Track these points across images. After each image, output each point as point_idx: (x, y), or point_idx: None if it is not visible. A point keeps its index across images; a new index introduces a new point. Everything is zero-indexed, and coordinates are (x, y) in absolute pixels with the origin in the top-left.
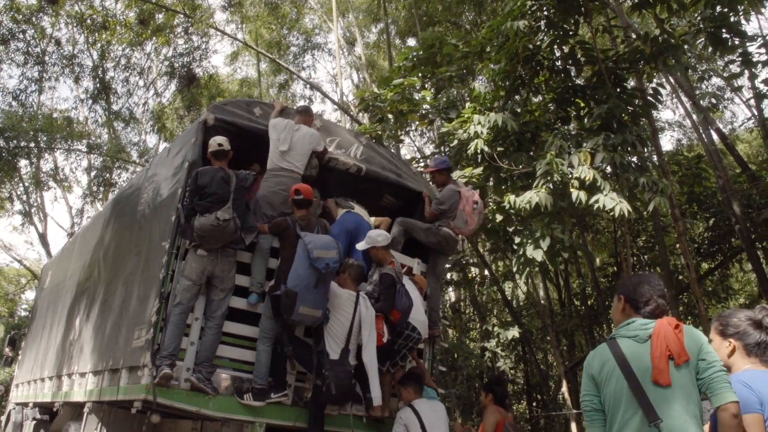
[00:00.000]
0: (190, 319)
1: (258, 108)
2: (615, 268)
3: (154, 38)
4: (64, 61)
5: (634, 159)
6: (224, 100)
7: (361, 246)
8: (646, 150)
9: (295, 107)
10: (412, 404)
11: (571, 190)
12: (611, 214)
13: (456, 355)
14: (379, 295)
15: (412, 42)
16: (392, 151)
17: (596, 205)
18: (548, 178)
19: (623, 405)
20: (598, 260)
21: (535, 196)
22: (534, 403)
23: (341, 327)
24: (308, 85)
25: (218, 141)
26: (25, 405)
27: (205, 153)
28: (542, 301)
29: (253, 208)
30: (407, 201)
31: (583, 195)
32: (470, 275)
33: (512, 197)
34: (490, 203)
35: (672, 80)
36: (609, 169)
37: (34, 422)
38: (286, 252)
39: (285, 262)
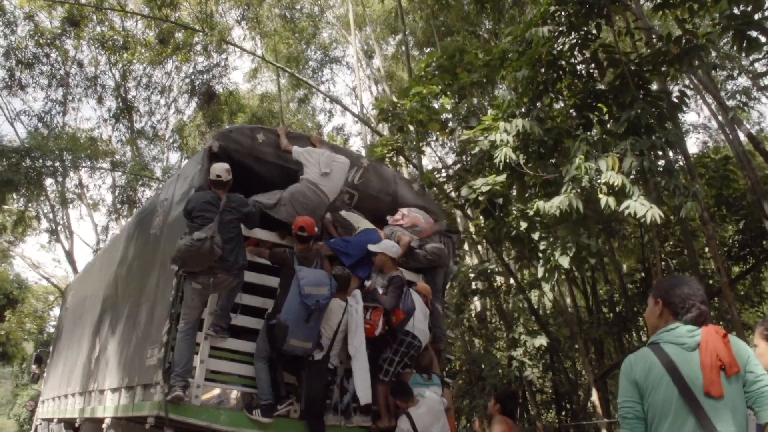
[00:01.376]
0: (200, 338)
1: (261, 134)
2: (643, 274)
3: (174, 57)
4: (86, 82)
5: (662, 163)
6: (229, 127)
7: (373, 247)
8: (673, 153)
9: (300, 131)
10: (407, 411)
11: (600, 195)
12: (641, 220)
13: (483, 365)
14: (386, 291)
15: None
16: (398, 169)
17: (627, 212)
18: (576, 183)
19: (672, 414)
20: (625, 266)
21: (565, 199)
22: (563, 413)
23: (327, 332)
24: (328, 99)
25: (217, 172)
26: (50, 420)
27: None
28: (569, 309)
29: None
30: None
31: (612, 201)
32: (495, 284)
33: (540, 203)
34: (514, 211)
35: (696, 81)
36: (635, 173)
37: None
38: (284, 281)
39: (282, 292)
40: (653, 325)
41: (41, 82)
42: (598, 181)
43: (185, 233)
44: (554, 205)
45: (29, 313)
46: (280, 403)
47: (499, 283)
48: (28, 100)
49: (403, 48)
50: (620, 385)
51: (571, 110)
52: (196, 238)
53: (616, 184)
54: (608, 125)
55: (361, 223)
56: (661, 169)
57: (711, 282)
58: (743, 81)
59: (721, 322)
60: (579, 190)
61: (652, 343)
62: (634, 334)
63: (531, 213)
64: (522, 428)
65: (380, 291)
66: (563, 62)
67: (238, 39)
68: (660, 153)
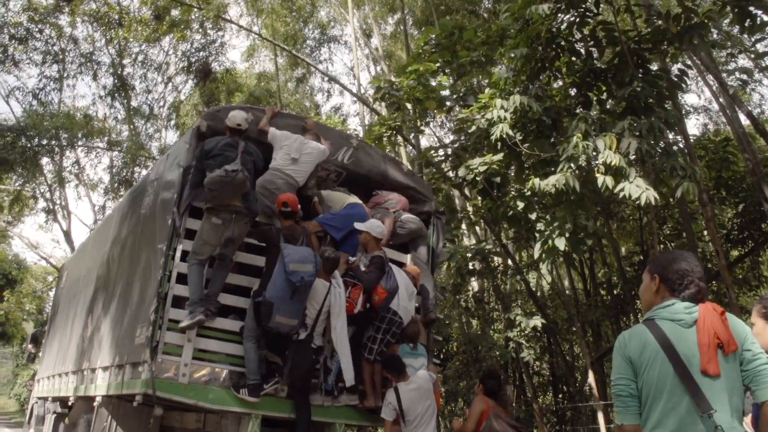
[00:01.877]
0: (184, 316)
1: (250, 114)
2: (641, 257)
3: (171, 34)
4: (81, 59)
5: (661, 144)
6: (217, 107)
7: (359, 225)
8: (672, 134)
9: (294, 113)
10: (396, 386)
11: (597, 175)
12: (637, 202)
13: (479, 347)
14: (367, 270)
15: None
16: (396, 149)
17: (621, 194)
18: (573, 162)
19: (666, 393)
20: (623, 249)
21: (561, 178)
22: (560, 395)
23: (311, 312)
24: (326, 78)
25: (237, 120)
26: (45, 399)
27: (199, 159)
28: (566, 291)
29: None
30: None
31: (609, 180)
32: (493, 264)
33: (536, 181)
34: (512, 191)
35: (697, 61)
36: (634, 154)
37: (54, 415)
38: (270, 259)
39: (268, 270)
40: (648, 302)
41: (35, 58)
42: (596, 161)
43: (199, 171)
44: (550, 183)
45: (28, 293)
46: (267, 381)
47: (497, 264)
48: (22, 77)
49: (402, 27)
50: (614, 362)
51: (569, 89)
52: (230, 169)
53: (613, 164)
54: (607, 105)
55: (348, 199)
56: (659, 150)
57: (709, 265)
58: (744, 62)
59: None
60: (576, 169)
61: (647, 320)
62: (632, 318)
63: (528, 192)
64: (505, 409)
65: (362, 269)
66: (562, 40)
67: (235, 17)
68: (659, 134)
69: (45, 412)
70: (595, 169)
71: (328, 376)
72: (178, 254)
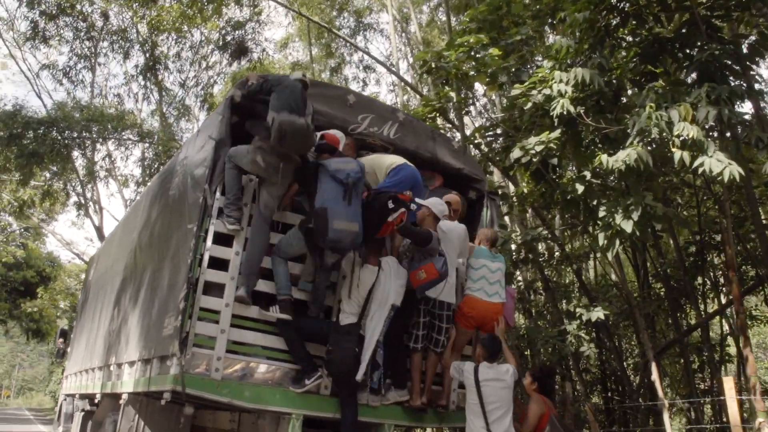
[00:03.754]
0: (220, 305)
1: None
2: (700, 247)
3: (207, 8)
4: (113, 36)
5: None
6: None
7: (420, 201)
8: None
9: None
10: (478, 366)
11: (673, 149)
12: (718, 178)
13: (536, 341)
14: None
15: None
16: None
17: (701, 169)
18: (646, 135)
19: None
20: (681, 238)
21: (633, 153)
22: (609, 393)
23: (359, 296)
24: (362, 67)
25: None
26: (73, 396)
27: (234, 131)
28: (617, 283)
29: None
30: (446, 178)
31: (686, 155)
32: (541, 253)
33: (604, 157)
34: (570, 173)
35: None
36: (712, 123)
37: (83, 413)
38: (309, 188)
39: (310, 198)
40: None
41: (66, 35)
42: (668, 134)
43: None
44: (620, 159)
45: (62, 291)
46: (309, 376)
47: (544, 252)
48: (52, 54)
49: (439, 13)
50: None
51: (633, 59)
52: (311, 125)
53: (690, 136)
54: (674, 76)
55: (391, 160)
56: (742, 120)
57: None
58: None
59: None
60: (648, 144)
61: None
62: (690, 311)
63: (589, 174)
64: (565, 408)
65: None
66: (627, 4)
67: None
68: (740, 102)
69: (73, 410)
70: (670, 143)
71: (374, 372)
72: (209, 236)
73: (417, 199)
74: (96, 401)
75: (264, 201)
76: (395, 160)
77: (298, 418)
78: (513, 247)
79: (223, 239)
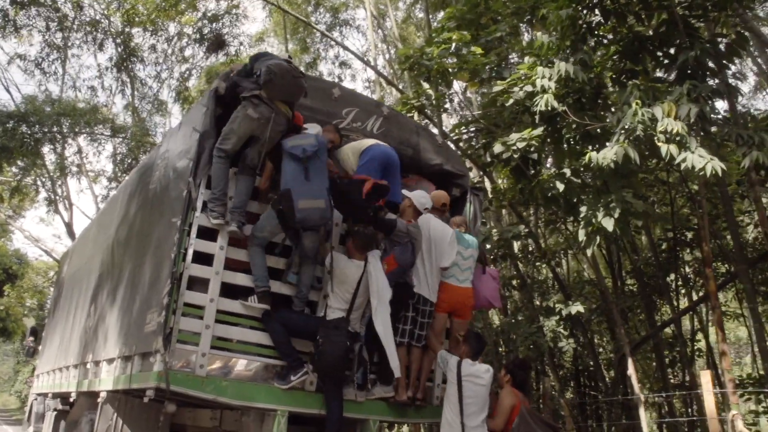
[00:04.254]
0: (205, 300)
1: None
2: (673, 243)
3: (181, 1)
4: (87, 27)
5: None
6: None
7: (406, 192)
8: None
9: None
10: (461, 361)
11: (659, 144)
12: (700, 173)
13: (513, 336)
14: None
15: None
16: (423, 122)
17: (683, 165)
18: (630, 132)
19: None
20: (657, 232)
21: (620, 150)
22: (582, 388)
23: (345, 292)
24: (336, 64)
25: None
26: (45, 395)
27: (218, 125)
28: (592, 279)
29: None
30: (429, 174)
31: (674, 149)
32: (527, 249)
33: (593, 153)
34: (549, 170)
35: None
36: (693, 120)
37: (55, 413)
38: (279, 167)
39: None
40: None
41: (38, 24)
42: (652, 131)
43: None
44: (608, 156)
45: (29, 289)
46: (295, 372)
47: (529, 248)
48: (23, 44)
49: (416, 10)
50: None
51: (614, 56)
52: (297, 69)
53: (675, 131)
54: (655, 73)
55: (363, 143)
56: (723, 116)
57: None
58: None
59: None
60: (633, 141)
61: None
62: (665, 307)
63: (569, 172)
64: (544, 402)
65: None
66: (608, 2)
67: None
68: (720, 99)
69: (45, 409)
70: (656, 138)
71: (359, 368)
72: (194, 230)
73: (404, 191)
74: (71, 400)
75: (249, 155)
76: (368, 142)
77: (283, 414)
78: (488, 246)
79: (207, 234)
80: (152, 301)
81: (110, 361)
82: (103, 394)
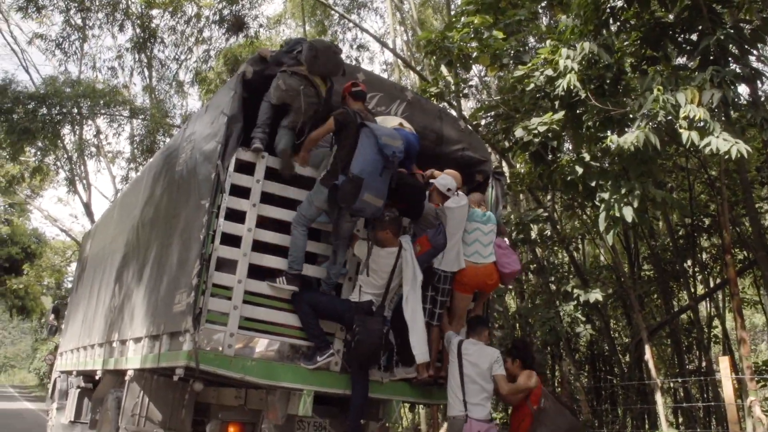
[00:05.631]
0: (233, 281)
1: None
2: (691, 229)
3: None
4: (107, 8)
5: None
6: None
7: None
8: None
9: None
10: (463, 341)
11: (681, 130)
12: (725, 156)
13: (532, 321)
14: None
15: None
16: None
17: (707, 149)
18: (652, 118)
19: None
20: (675, 218)
21: (641, 135)
22: (598, 373)
23: (378, 278)
24: (354, 47)
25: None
26: (69, 373)
27: (245, 108)
28: (609, 264)
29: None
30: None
31: (695, 135)
32: (535, 234)
33: (614, 138)
34: (568, 154)
35: None
36: (716, 105)
37: (78, 390)
38: (345, 142)
39: (344, 152)
40: None
41: (59, 4)
42: (674, 117)
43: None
44: (628, 141)
45: (47, 267)
46: (321, 353)
47: (547, 233)
48: (43, 25)
49: None
50: None
51: (635, 42)
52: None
53: (698, 117)
54: (677, 60)
55: (391, 121)
56: (747, 101)
57: None
58: None
59: None
60: (654, 126)
61: None
62: (682, 292)
63: (588, 156)
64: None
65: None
66: None
67: None
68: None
69: (68, 387)
70: (678, 124)
71: (386, 351)
72: (222, 212)
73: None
74: (96, 378)
75: (289, 118)
76: (393, 121)
77: (309, 394)
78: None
79: (235, 216)
80: (181, 282)
81: (137, 340)
82: (130, 373)
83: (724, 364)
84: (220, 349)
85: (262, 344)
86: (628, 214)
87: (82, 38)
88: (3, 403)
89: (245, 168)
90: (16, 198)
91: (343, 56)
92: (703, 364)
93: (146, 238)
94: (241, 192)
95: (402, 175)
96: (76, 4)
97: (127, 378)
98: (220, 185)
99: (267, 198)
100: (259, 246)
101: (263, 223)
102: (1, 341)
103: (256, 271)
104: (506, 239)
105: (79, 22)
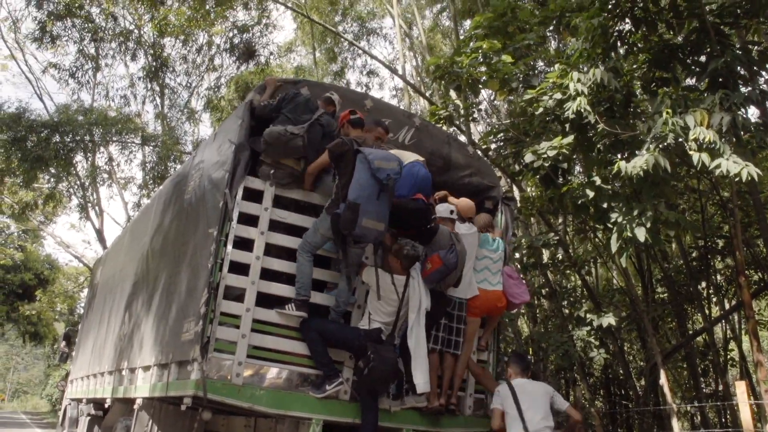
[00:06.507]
0: (241, 310)
1: (305, 88)
2: (704, 251)
3: (212, 14)
4: (120, 38)
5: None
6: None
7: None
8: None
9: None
10: (510, 381)
11: (691, 152)
12: (735, 179)
13: (545, 345)
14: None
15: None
16: (451, 131)
17: (717, 171)
18: (661, 141)
19: None
20: (687, 240)
21: (650, 158)
22: (613, 397)
23: (390, 307)
24: (364, 73)
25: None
26: (79, 401)
27: (253, 134)
28: (622, 288)
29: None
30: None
31: (705, 157)
32: (545, 258)
33: (622, 163)
34: (578, 178)
35: None
36: (726, 129)
37: (89, 418)
38: (345, 170)
39: (343, 180)
40: None
41: (73, 35)
42: (683, 139)
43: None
44: (637, 165)
45: (60, 293)
46: (330, 382)
47: (558, 257)
48: (57, 54)
49: (443, 18)
50: None
51: (644, 65)
52: (290, 131)
53: (707, 140)
54: (685, 82)
55: (406, 156)
56: (757, 124)
57: None
58: None
59: None
60: (664, 149)
61: None
62: (697, 315)
63: (599, 180)
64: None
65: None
66: (640, 11)
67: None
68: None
69: (78, 414)
70: (687, 147)
71: (395, 379)
72: (230, 240)
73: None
74: (105, 406)
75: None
76: (410, 157)
77: (318, 423)
78: (517, 255)
79: (242, 245)
80: (189, 310)
81: (146, 368)
82: (138, 401)
83: (740, 389)
84: (229, 378)
85: (271, 373)
86: (641, 234)
87: (95, 67)
88: (15, 430)
89: (253, 196)
90: (29, 224)
91: (351, 84)
92: (720, 387)
93: (155, 265)
94: (249, 220)
95: (400, 200)
96: (90, 35)
97: (135, 406)
98: (228, 213)
99: (274, 225)
100: (267, 274)
101: (270, 250)
102: (14, 367)
103: (265, 300)
104: (513, 266)
105: (92, 51)
